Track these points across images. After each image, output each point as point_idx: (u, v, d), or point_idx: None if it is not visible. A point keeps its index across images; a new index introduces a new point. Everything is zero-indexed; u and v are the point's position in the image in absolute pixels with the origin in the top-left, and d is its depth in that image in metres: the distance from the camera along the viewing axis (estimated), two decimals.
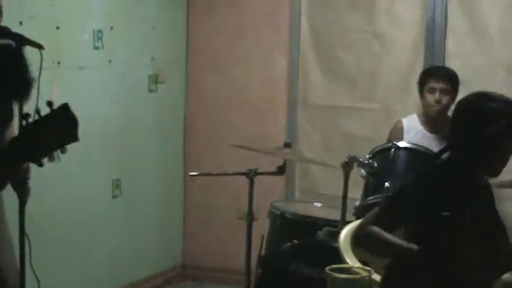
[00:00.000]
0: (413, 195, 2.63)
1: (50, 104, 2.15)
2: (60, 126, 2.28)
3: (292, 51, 5.15)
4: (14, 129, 3.16)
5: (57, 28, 4.24)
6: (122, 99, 4.82)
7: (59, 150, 2.39)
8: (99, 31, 4.58)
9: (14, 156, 2.13)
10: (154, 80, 5.12)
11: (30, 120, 2.18)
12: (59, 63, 4.25)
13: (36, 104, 2.53)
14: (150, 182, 5.17)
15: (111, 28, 4.67)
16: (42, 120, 2.23)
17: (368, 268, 2.64)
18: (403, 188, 2.77)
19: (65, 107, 2.27)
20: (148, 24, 5.03)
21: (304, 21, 5.08)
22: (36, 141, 2.20)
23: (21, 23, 3.87)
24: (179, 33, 5.37)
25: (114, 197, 4.83)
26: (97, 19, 4.58)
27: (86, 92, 4.49)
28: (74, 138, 2.33)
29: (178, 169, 5.45)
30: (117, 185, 4.84)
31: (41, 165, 2.21)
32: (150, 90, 5.11)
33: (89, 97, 4.48)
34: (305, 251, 3.69)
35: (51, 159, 2.28)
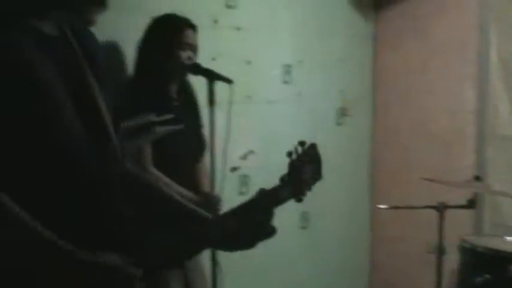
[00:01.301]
0: None
1: (302, 143, 2.25)
2: (313, 164, 2.35)
3: (480, 83, 5.03)
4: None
5: (248, 63, 4.39)
6: (309, 132, 4.88)
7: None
8: (288, 65, 4.69)
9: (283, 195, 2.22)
10: (342, 113, 5.17)
11: (294, 156, 2.28)
12: (249, 97, 4.39)
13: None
14: (337, 214, 5.19)
15: (300, 62, 4.77)
16: (303, 157, 2.31)
17: None
18: None
19: (313, 146, 2.36)
20: (336, 58, 5.09)
21: (493, 52, 4.96)
22: (302, 176, 2.28)
23: (213, 58, 4.02)
24: (366, 66, 5.39)
25: (302, 228, 4.90)
26: (286, 54, 4.69)
27: (276, 125, 4.60)
28: (320, 175, 2.39)
29: (364, 201, 5.45)
30: (304, 217, 4.91)
31: (300, 200, 2.28)
32: (338, 123, 5.16)
33: (278, 130, 4.59)
34: (498, 286, 3.58)
35: (304, 195, 2.34)
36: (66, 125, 1.57)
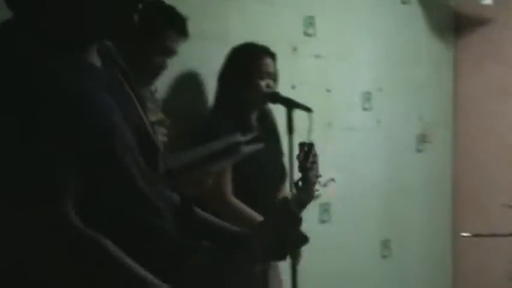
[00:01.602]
0: None
1: (303, 145, 2.26)
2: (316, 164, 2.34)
3: None
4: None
5: (328, 91, 4.39)
6: (389, 159, 4.86)
7: None
8: (368, 93, 4.69)
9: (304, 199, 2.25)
10: (422, 139, 5.12)
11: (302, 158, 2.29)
12: (329, 124, 4.39)
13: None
14: (419, 242, 5.13)
15: (380, 89, 4.76)
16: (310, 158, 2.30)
17: None
18: None
19: (312, 145, 2.34)
20: (416, 84, 5.06)
21: None
22: (312, 179, 2.29)
23: (293, 86, 4.04)
24: (446, 92, 5.34)
25: (383, 257, 4.86)
26: (366, 81, 4.69)
27: (355, 152, 4.59)
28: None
29: (446, 229, 5.37)
30: (386, 245, 4.87)
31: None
32: (418, 150, 5.11)
33: (358, 157, 4.58)
34: None
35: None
36: (134, 166, 1.56)
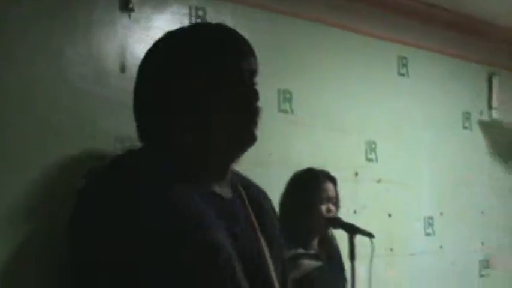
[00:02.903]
0: None
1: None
2: None
3: None
4: None
5: (390, 216, 4.39)
6: (452, 284, 4.80)
7: None
8: (430, 218, 4.68)
9: None
10: (485, 265, 5.06)
11: None
12: (391, 249, 4.36)
13: None
14: None
15: (441, 214, 4.75)
16: None
17: None
18: None
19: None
20: (478, 209, 5.04)
21: None
22: None
23: (355, 211, 4.08)
24: (508, 217, 5.30)
25: None
26: (428, 206, 4.69)
27: (417, 277, 4.54)
28: None
29: None
30: None
31: None
32: (481, 275, 5.04)
33: (421, 283, 4.53)
34: None
35: None
36: None
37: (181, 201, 1.48)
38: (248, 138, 1.61)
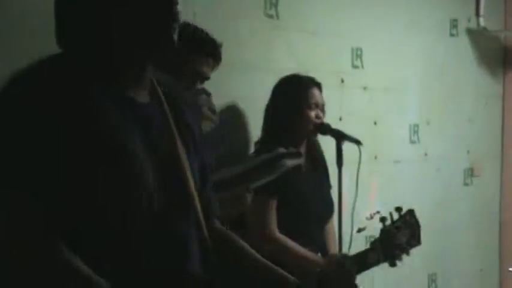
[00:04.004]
0: None
1: (398, 209, 2.32)
2: (409, 230, 2.41)
3: None
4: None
5: (375, 123, 4.38)
6: (436, 192, 4.82)
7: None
8: (416, 125, 4.66)
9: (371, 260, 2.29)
10: (470, 173, 5.07)
11: (387, 222, 2.35)
12: (376, 157, 4.36)
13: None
14: (466, 276, 5.06)
15: (428, 122, 4.73)
16: (398, 222, 2.38)
17: None
18: None
19: (411, 212, 2.42)
20: (464, 117, 5.03)
21: None
22: (394, 241, 2.35)
23: (340, 118, 4.04)
24: (495, 126, 5.29)
25: None
26: (413, 114, 4.67)
27: (402, 185, 4.55)
28: (418, 241, 2.44)
29: (494, 264, 5.29)
30: (432, 279, 4.81)
31: (394, 264, 2.34)
32: (465, 184, 5.06)
33: (404, 191, 4.54)
34: None
35: (399, 259, 2.40)
36: (145, 193, 1.55)
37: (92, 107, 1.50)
38: (164, 41, 1.60)
